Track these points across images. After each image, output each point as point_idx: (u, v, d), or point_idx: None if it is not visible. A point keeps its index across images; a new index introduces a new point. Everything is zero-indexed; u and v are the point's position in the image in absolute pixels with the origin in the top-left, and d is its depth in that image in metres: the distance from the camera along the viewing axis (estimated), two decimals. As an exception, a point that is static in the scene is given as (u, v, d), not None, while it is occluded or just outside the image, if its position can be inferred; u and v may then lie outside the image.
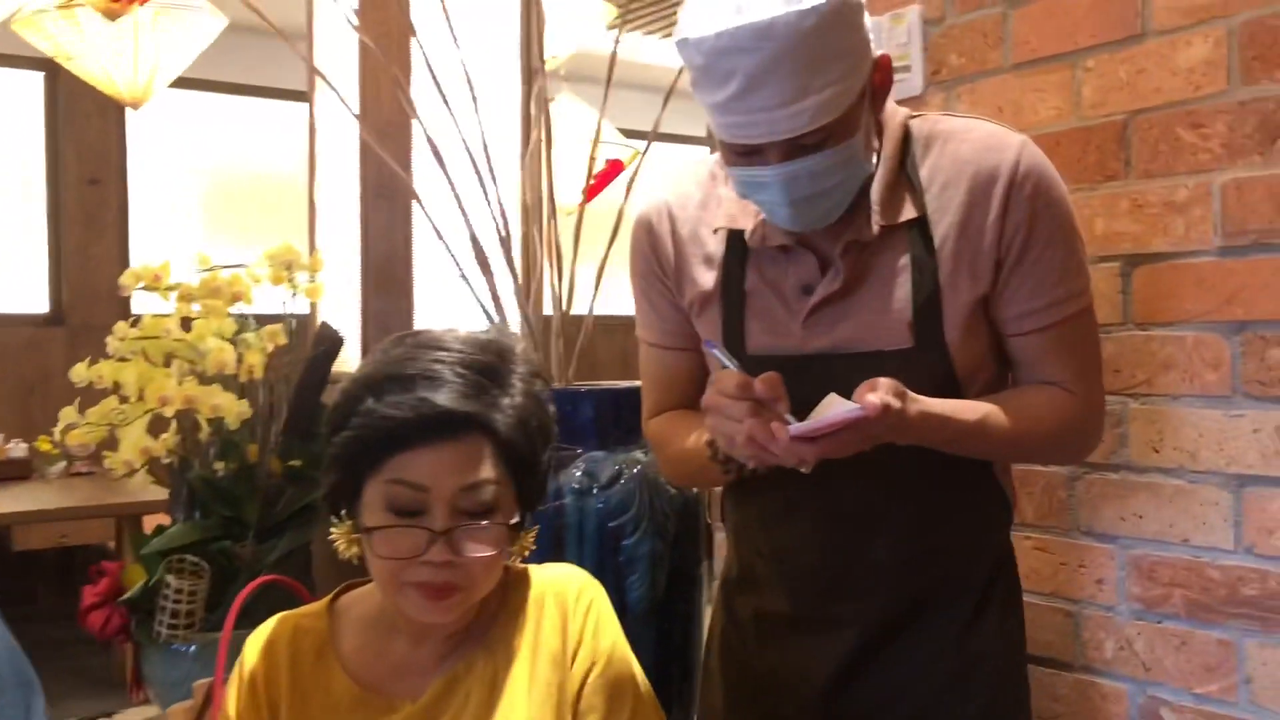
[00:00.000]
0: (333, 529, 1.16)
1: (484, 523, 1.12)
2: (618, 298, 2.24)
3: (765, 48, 1.09)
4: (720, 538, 2.00)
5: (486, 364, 1.15)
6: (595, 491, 1.88)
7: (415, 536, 1.10)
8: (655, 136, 2.51)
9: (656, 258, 1.40)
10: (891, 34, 1.84)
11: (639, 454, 1.93)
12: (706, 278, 1.35)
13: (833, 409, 1.10)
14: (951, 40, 1.76)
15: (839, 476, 1.19)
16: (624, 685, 1.21)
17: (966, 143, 1.28)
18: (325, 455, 1.16)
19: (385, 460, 1.11)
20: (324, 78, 2.44)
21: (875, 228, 1.24)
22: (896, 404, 1.11)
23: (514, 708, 1.17)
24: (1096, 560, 1.61)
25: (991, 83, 1.71)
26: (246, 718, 1.20)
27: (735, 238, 1.33)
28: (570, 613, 1.22)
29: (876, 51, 1.20)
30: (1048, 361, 1.29)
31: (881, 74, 1.23)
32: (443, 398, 1.11)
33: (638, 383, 1.54)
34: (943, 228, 1.26)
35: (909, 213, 1.26)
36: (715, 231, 1.34)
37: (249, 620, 1.48)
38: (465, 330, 1.22)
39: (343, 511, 1.16)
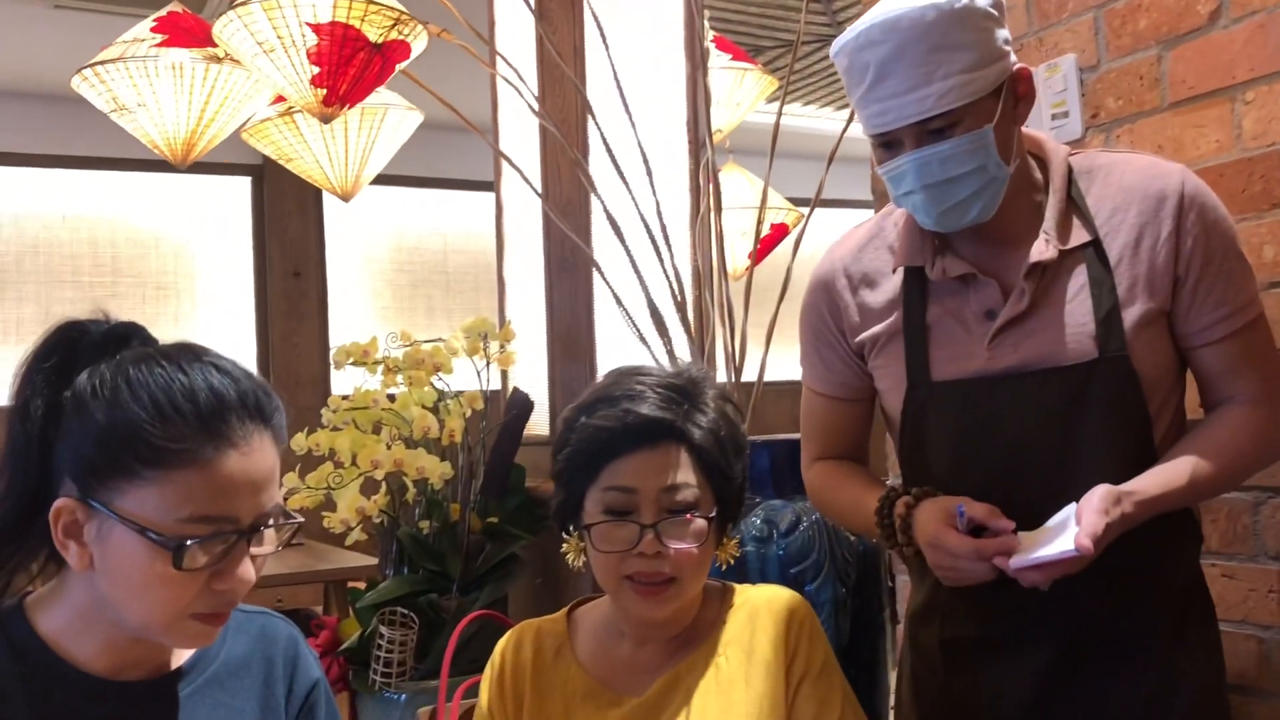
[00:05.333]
0: (565, 543, 1.34)
1: (685, 516, 1.26)
2: (785, 363, 2.31)
3: (892, 39, 1.26)
4: (903, 579, 2.03)
5: (680, 385, 1.32)
6: (775, 539, 1.93)
7: (627, 529, 1.25)
8: (819, 202, 2.60)
9: (832, 317, 1.50)
10: (1048, 84, 1.89)
11: (815, 501, 1.97)
12: (886, 319, 1.44)
13: (1054, 538, 1.22)
14: (1108, 84, 1.81)
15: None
16: (834, 695, 1.30)
17: (1129, 172, 1.37)
18: (554, 474, 1.34)
19: (600, 470, 1.28)
20: (510, 161, 2.63)
21: (1054, 250, 1.33)
22: (1109, 523, 1.21)
23: (732, 707, 1.28)
24: (1288, 586, 1.59)
25: (1151, 122, 1.75)
26: (496, 705, 1.36)
27: (914, 275, 1.42)
28: (785, 626, 1.32)
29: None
30: (1236, 371, 1.34)
31: (1024, 84, 1.34)
32: (644, 409, 1.27)
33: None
34: (1116, 248, 1.34)
35: (1083, 236, 1.35)
36: (894, 270, 1.44)
37: (456, 666, 1.63)
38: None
39: (570, 527, 1.33)
